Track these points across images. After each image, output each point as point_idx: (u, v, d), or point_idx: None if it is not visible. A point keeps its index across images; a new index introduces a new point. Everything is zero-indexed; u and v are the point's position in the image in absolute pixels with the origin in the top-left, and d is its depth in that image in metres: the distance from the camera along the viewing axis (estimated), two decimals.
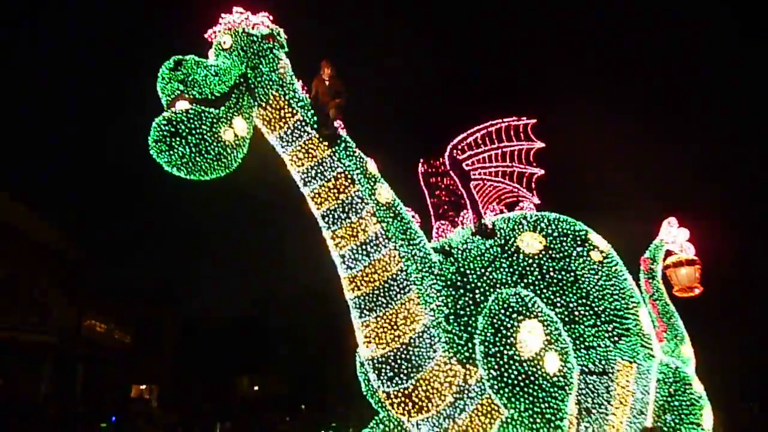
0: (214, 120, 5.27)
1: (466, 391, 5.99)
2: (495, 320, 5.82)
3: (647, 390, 6.90)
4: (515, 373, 5.64)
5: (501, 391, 5.67)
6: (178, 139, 5.09)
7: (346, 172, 6.07)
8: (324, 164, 6.03)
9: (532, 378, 5.65)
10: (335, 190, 6.03)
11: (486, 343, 5.76)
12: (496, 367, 5.68)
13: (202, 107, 5.26)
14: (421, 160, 7.59)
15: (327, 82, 6.13)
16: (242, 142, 5.53)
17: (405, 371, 5.90)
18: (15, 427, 10.02)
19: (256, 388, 39.47)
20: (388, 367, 5.93)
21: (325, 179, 6.02)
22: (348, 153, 6.17)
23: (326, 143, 6.03)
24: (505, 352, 5.69)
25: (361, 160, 6.26)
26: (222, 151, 5.32)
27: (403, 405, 5.98)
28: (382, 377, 6.00)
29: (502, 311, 5.86)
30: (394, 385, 5.95)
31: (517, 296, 6.01)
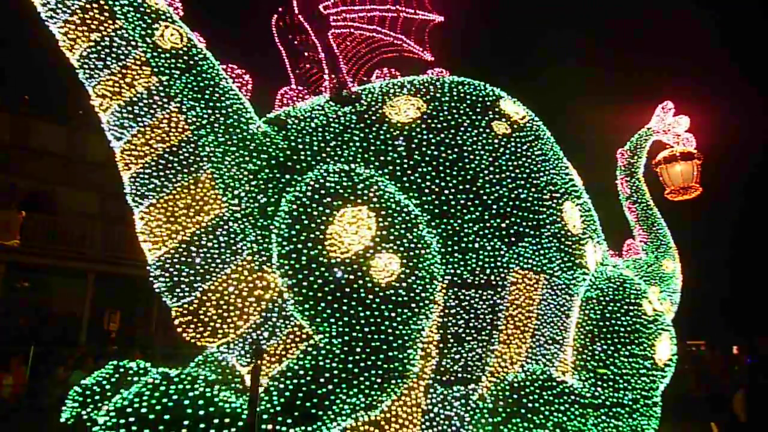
0: None
1: (279, 309, 4.30)
2: (295, 207, 4.03)
3: (567, 311, 5.01)
4: (320, 281, 3.89)
5: (301, 307, 3.95)
6: None
7: (101, 2, 4.28)
8: None
9: (347, 289, 3.88)
10: (84, 27, 4.26)
11: (280, 239, 4.00)
12: (291, 272, 3.93)
13: None
14: (278, 11, 5.65)
15: None
16: None
17: (186, 280, 4.25)
18: None
19: None
20: (166, 275, 4.28)
21: (70, 11, 4.26)
22: None
23: None
24: (305, 251, 3.92)
25: None
26: None
27: (190, 326, 4.34)
28: (160, 288, 4.37)
29: (309, 194, 4.06)
30: (175, 299, 4.31)
31: (339, 174, 4.17)
